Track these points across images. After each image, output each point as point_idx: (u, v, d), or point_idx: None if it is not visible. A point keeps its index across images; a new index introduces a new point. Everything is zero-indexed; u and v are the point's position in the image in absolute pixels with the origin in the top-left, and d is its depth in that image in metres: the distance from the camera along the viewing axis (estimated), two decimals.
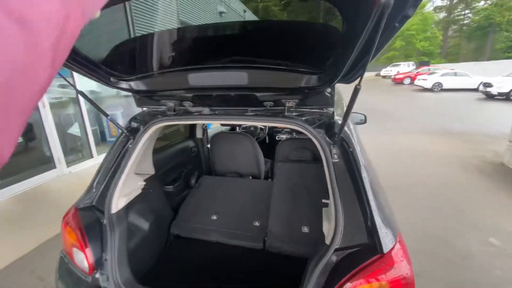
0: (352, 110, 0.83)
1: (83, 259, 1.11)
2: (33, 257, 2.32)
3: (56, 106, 3.79)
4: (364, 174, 0.96)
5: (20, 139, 3.62)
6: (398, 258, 0.83)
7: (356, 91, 0.74)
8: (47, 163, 3.64)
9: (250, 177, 2.26)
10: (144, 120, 1.34)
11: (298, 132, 2.92)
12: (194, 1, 8.88)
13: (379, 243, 0.85)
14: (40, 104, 3.46)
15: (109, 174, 1.27)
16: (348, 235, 0.91)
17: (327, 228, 1.05)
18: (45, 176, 3.53)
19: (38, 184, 3.40)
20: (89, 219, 1.20)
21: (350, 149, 1.01)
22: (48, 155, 3.66)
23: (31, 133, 3.55)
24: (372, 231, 0.88)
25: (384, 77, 25.54)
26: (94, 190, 1.28)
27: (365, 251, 0.87)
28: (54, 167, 3.67)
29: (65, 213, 1.26)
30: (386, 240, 0.85)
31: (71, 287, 1.15)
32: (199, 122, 1.87)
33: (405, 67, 23.78)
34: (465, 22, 36.86)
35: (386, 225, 0.89)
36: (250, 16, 15.84)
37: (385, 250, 0.84)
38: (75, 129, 4.02)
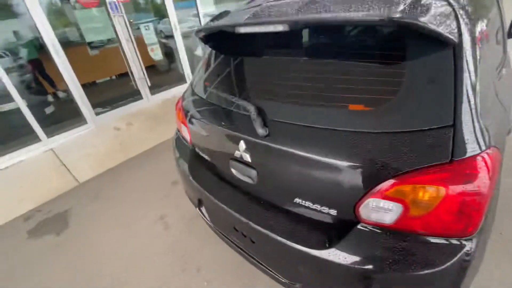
0: None
1: (185, 132, 1.52)
2: (169, 142, 3.31)
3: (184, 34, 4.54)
4: None
5: (166, 61, 4.72)
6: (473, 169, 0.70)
7: None
8: (181, 79, 4.64)
9: None
10: None
11: None
12: None
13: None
14: (174, 33, 4.23)
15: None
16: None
17: None
18: (179, 88, 4.56)
19: (177, 92, 4.47)
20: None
21: None
22: (181, 73, 4.62)
23: (172, 56, 4.49)
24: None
25: None
26: (194, 80, 1.60)
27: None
28: (185, 82, 4.66)
29: (177, 101, 1.69)
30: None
31: (181, 152, 1.62)
32: None
33: None
34: None
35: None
36: None
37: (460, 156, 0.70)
38: (199, 51, 4.80)
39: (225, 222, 1.25)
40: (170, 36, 4.36)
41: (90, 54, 3.84)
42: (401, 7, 0.74)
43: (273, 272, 1.15)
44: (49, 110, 3.50)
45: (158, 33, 4.51)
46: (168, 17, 4.15)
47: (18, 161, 2.98)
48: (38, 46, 3.32)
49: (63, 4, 3.38)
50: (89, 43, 3.68)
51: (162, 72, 4.94)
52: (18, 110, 2.98)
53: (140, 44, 3.83)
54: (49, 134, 3.24)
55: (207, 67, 1.48)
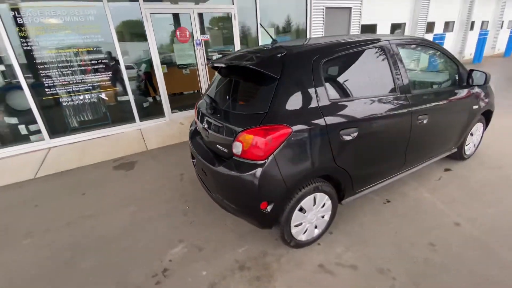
0: None
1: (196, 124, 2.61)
2: None
3: None
4: None
5: None
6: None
7: None
8: None
9: None
10: None
11: None
12: None
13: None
14: None
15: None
16: None
17: None
18: None
19: None
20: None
21: None
22: None
23: None
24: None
25: None
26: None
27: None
28: None
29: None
30: None
31: (191, 132, 2.70)
32: None
33: None
34: None
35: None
36: None
37: None
38: None
39: (198, 166, 2.22)
40: None
41: (181, 73, 5.50)
42: (256, 60, 1.65)
43: (209, 190, 2.03)
44: (145, 105, 5.29)
45: None
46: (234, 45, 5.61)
47: (120, 132, 4.77)
48: (150, 63, 5.13)
49: (170, 38, 5.20)
50: (178, 65, 5.39)
51: None
52: (128, 102, 4.81)
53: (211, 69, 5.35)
54: (141, 119, 5.00)
55: (211, 82, 2.58)
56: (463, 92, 2.46)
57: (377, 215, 2.25)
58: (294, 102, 1.59)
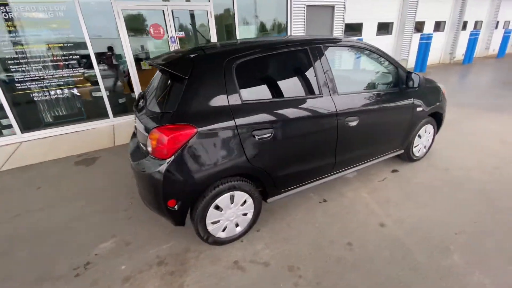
0: None
1: None
2: None
3: None
4: None
5: None
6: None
7: None
8: None
9: None
10: None
11: None
12: None
13: None
14: None
15: None
16: None
17: None
18: None
19: None
20: None
21: None
22: None
23: None
24: None
25: None
26: None
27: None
28: None
29: None
30: None
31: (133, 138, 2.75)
32: None
33: None
34: None
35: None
36: None
37: None
38: None
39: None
40: None
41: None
42: (169, 60, 1.68)
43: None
44: (121, 101, 5.34)
45: None
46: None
47: (92, 128, 4.83)
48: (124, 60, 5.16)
49: (143, 35, 5.21)
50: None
51: None
52: (102, 98, 4.87)
53: None
54: (116, 115, 5.05)
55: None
56: (401, 94, 2.48)
57: (309, 213, 2.29)
58: (202, 102, 1.62)
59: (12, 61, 4.12)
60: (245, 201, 1.91)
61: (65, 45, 4.38)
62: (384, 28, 8.75)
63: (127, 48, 4.85)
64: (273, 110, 1.79)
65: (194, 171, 1.60)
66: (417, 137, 2.84)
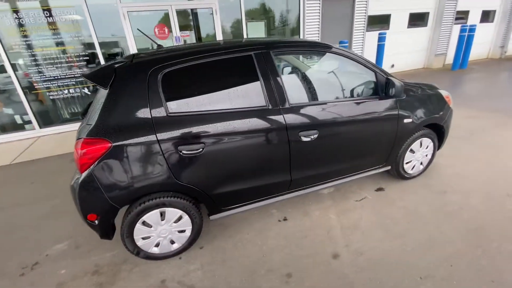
0: None
1: None
2: None
3: None
4: None
5: None
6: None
7: None
8: None
9: None
10: None
11: None
12: None
13: None
14: None
15: None
16: None
17: None
18: None
19: None
20: None
21: None
22: None
23: None
24: None
25: None
26: None
27: None
28: None
29: None
30: None
31: None
32: None
33: None
34: None
35: None
36: None
37: None
38: None
39: None
40: None
41: None
42: (92, 70, 1.62)
43: None
44: None
45: None
46: None
47: None
48: None
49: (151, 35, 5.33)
50: None
51: None
52: None
53: None
54: None
55: None
56: (382, 104, 2.13)
57: (262, 233, 2.11)
58: (122, 115, 1.54)
59: (30, 63, 4.52)
60: (180, 217, 1.82)
61: (76, 47, 4.68)
62: (417, 19, 7.80)
63: (133, 49, 5.01)
64: (205, 124, 1.65)
65: (111, 187, 1.55)
66: (408, 152, 2.45)
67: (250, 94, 1.78)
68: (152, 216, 1.72)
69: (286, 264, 1.81)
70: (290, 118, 1.82)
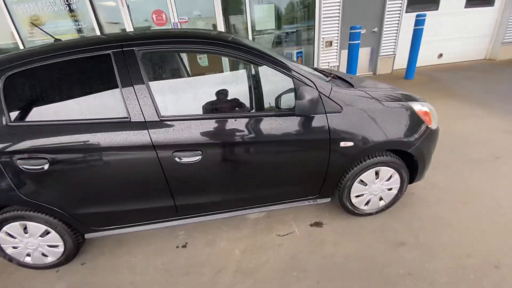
0: None
1: None
2: None
3: None
4: None
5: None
6: None
7: None
8: None
9: None
10: None
11: None
12: None
13: None
14: None
15: None
16: None
17: None
18: None
19: None
20: None
21: None
22: None
23: None
24: None
25: None
26: None
27: None
28: None
29: None
30: None
31: None
32: None
33: None
34: None
35: None
36: None
37: None
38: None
39: None
40: None
41: None
42: None
43: None
44: None
45: None
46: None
47: None
48: None
49: (146, 23, 5.23)
50: None
51: None
52: None
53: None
54: None
55: None
56: (296, 120, 1.59)
57: (149, 259, 1.86)
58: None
59: None
60: (47, 232, 1.68)
61: (79, 35, 4.88)
62: None
63: None
64: (48, 136, 1.42)
65: None
66: (357, 183, 1.85)
67: (107, 102, 1.47)
68: (13, 228, 1.62)
69: None
70: (159, 134, 1.46)
